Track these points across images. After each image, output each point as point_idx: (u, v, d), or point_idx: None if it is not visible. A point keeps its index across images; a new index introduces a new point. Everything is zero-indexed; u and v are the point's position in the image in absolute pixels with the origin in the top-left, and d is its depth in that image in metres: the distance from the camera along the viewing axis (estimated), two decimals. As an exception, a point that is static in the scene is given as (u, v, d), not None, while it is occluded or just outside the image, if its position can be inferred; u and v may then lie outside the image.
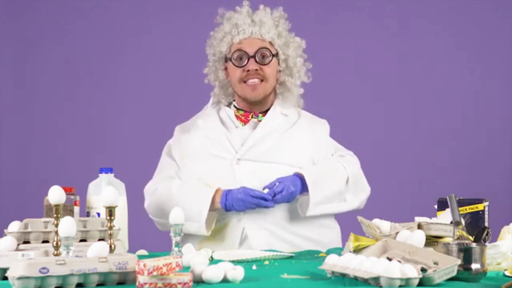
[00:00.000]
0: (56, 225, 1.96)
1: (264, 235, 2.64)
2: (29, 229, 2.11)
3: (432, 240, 2.11)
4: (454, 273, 1.79)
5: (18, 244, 2.08)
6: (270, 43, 2.76)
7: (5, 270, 1.84)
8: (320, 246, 2.63)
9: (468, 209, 2.24)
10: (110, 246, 2.00)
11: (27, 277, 1.71)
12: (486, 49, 4.45)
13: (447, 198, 2.04)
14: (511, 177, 4.43)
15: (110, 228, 2.03)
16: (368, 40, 4.50)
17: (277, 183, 2.61)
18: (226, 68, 2.79)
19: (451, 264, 1.79)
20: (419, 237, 2.02)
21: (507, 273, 1.93)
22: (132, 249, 2.40)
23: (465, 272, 1.83)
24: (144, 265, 1.73)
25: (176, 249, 2.21)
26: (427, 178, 4.42)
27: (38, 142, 4.52)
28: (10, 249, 2.05)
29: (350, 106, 4.44)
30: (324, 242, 2.67)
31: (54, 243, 1.99)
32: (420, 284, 1.75)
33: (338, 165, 2.74)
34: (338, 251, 2.35)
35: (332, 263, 1.92)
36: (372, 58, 4.49)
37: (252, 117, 2.80)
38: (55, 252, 1.99)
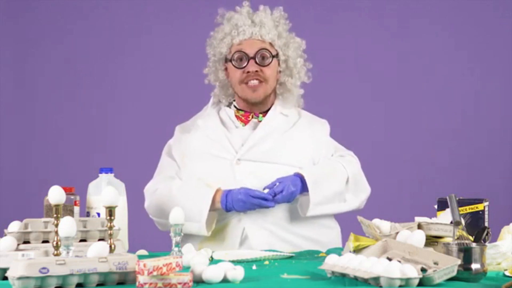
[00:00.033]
0: (56, 225, 1.96)
1: (264, 235, 2.64)
2: (29, 229, 2.11)
3: (432, 240, 2.11)
4: (454, 273, 1.79)
5: (18, 244, 2.08)
6: (270, 44, 2.75)
7: (5, 270, 1.84)
8: (320, 246, 2.63)
9: (468, 209, 2.24)
10: (110, 246, 2.00)
11: (27, 277, 1.70)
12: (486, 49, 4.45)
13: (447, 198, 2.04)
14: (511, 177, 4.43)
15: (110, 228, 2.03)
16: (368, 40, 4.49)
17: (277, 183, 2.61)
18: (226, 69, 2.79)
19: (451, 264, 1.79)
20: (419, 237, 2.02)
21: (507, 273, 1.93)
22: (132, 249, 2.39)
23: (465, 272, 1.83)
24: (144, 265, 1.73)
25: (176, 249, 2.20)
26: (427, 178, 4.42)
27: (38, 142, 4.52)
28: (10, 249, 2.05)
29: (350, 106, 4.44)
30: (324, 242, 2.67)
31: (54, 243, 1.99)
32: (420, 284, 1.75)
33: (338, 165, 2.73)
34: (338, 251, 2.35)
35: (332, 263, 1.91)
36: (372, 58, 4.49)
37: (252, 117, 2.79)
38: (55, 252, 1.99)
